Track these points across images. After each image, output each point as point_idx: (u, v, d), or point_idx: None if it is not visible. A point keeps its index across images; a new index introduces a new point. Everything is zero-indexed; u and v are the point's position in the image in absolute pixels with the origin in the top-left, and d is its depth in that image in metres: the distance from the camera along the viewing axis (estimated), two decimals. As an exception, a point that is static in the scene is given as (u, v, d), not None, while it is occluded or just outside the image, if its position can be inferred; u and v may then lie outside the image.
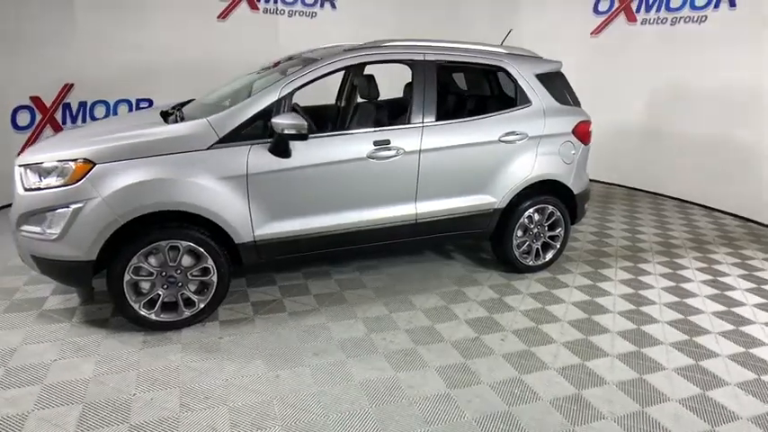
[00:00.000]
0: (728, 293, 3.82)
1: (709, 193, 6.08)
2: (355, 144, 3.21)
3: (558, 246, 4.06)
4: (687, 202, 6.29)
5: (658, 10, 6.36)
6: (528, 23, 7.24)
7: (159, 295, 2.94)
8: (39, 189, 2.77)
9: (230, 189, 2.94)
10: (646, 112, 6.63)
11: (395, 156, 3.30)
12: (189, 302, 3.01)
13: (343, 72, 4.37)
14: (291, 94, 3.08)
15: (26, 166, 2.88)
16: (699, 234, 5.17)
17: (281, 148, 2.99)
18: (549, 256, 4.05)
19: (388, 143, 3.28)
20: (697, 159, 6.11)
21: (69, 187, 2.70)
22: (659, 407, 2.54)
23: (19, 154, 5.19)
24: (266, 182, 3.01)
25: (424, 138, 3.38)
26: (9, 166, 5.10)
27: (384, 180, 3.33)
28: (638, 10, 6.56)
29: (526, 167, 3.73)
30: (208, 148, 2.90)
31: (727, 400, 2.61)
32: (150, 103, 6.50)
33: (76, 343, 2.86)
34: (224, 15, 6.85)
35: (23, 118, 5.26)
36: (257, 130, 3.01)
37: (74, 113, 5.80)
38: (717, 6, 5.79)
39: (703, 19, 5.92)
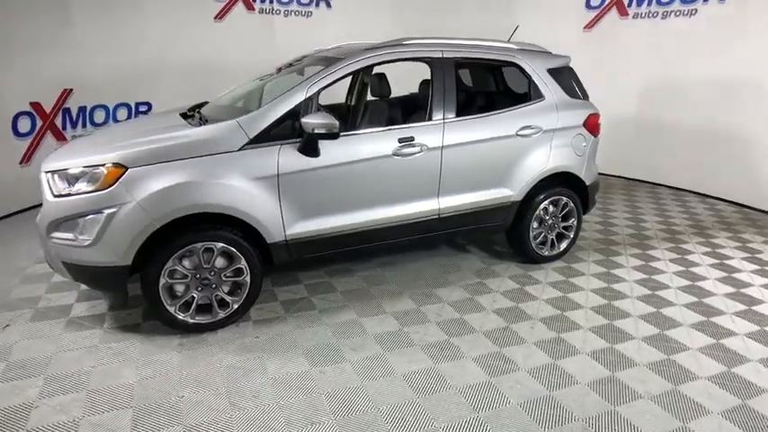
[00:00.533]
0: (736, 275, 3.98)
1: (703, 181, 6.28)
2: (381, 141, 3.26)
3: (572, 236, 4.16)
4: (682, 190, 6.48)
5: (649, 4, 6.52)
6: (522, 18, 7.34)
7: (194, 297, 2.95)
8: (69, 195, 2.75)
9: (262, 189, 2.96)
10: (640, 105, 6.80)
11: (419, 152, 3.35)
12: (223, 304, 3.03)
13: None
14: (318, 93, 3.11)
15: (53, 172, 2.86)
16: (698, 220, 5.34)
17: (310, 147, 3.02)
18: (564, 245, 4.15)
19: (412, 140, 3.33)
20: (690, 149, 6.29)
21: (102, 192, 2.69)
22: (690, 384, 2.65)
23: (21, 161, 5.18)
24: (296, 181, 3.04)
25: (446, 134, 3.44)
26: (13, 173, 5.10)
27: (408, 176, 3.38)
28: (629, 4, 6.72)
29: (542, 160, 3.82)
30: (239, 150, 2.91)
31: (752, 376, 2.73)
32: (149, 106, 6.45)
33: (113, 348, 2.85)
34: (220, 16, 6.81)
35: (24, 124, 5.17)
36: (286, 130, 3.03)
37: (74, 119, 5.72)
38: (706, 0, 5.98)
39: (693, 12, 6.10)
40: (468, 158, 3.55)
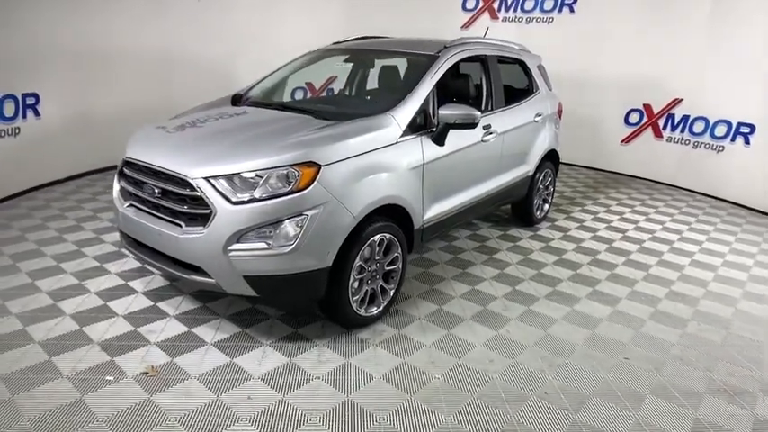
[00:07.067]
0: (653, 216, 5.57)
1: (569, 154, 8.02)
2: (475, 129, 3.65)
3: (551, 200, 5.20)
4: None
5: (515, 10, 8.00)
6: (410, 15, 8.11)
7: (366, 291, 2.96)
8: (255, 201, 2.49)
9: (414, 178, 3.12)
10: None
11: (494, 137, 3.86)
12: (382, 292, 3.10)
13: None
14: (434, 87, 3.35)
15: (217, 177, 2.52)
16: (585, 182, 7.01)
17: (442, 137, 3.27)
18: (546, 207, 5.16)
19: (490, 127, 3.82)
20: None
21: (301, 193, 2.53)
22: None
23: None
24: (432, 169, 3.26)
25: (504, 120, 4.02)
26: None
27: (489, 158, 3.90)
28: (499, 9, 8.11)
29: (544, 141, 4.70)
30: (396, 142, 3.01)
31: (723, 276, 4.14)
32: (37, 98, 5.21)
33: (323, 360, 2.69)
34: (111, -8, 5.86)
35: None
36: (419, 121, 3.20)
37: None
38: (560, 11, 7.68)
39: (551, 20, 7.77)
40: (512, 141, 4.19)
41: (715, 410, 2.46)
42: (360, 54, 4.07)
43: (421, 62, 3.51)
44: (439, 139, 3.27)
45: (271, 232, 2.52)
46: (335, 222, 2.62)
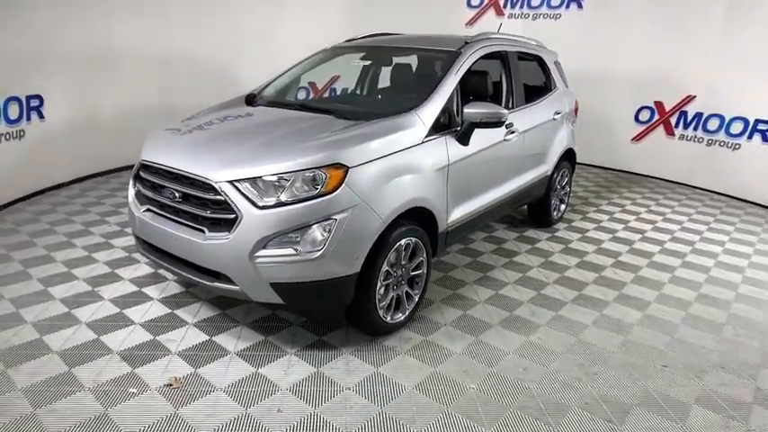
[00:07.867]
0: (670, 216, 5.48)
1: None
2: (498, 128, 3.54)
3: (567, 200, 5.10)
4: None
5: (522, 7, 7.90)
6: (416, 12, 8.00)
7: (392, 297, 2.86)
8: (281, 204, 2.39)
9: (439, 180, 3.02)
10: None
11: (516, 136, 3.76)
12: (407, 298, 2.99)
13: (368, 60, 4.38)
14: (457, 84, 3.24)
15: (241, 180, 2.42)
16: (595, 182, 6.91)
17: (467, 136, 3.17)
18: (563, 208, 5.06)
19: (512, 125, 3.72)
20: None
21: (329, 196, 2.42)
22: None
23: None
24: (457, 170, 3.15)
25: (525, 119, 3.92)
26: None
27: (511, 158, 3.80)
28: (504, 6, 8.01)
29: (562, 140, 4.61)
30: (422, 142, 2.90)
31: None
32: (41, 100, 5.08)
33: (351, 369, 2.59)
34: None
35: None
36: (443, 120, 3.09)
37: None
38: (568, 7, 7.58)
39: (558, 16, 7.67)
40: (533, 140, 4.10)
41: (767, 422, 2.37)
42: (376, 51, 3.96)
43: (442, 59, 3.41)
44: (463, 139, 3.17)
45: (298, 237, 2.41)
46: (364, 226, 2.52)
